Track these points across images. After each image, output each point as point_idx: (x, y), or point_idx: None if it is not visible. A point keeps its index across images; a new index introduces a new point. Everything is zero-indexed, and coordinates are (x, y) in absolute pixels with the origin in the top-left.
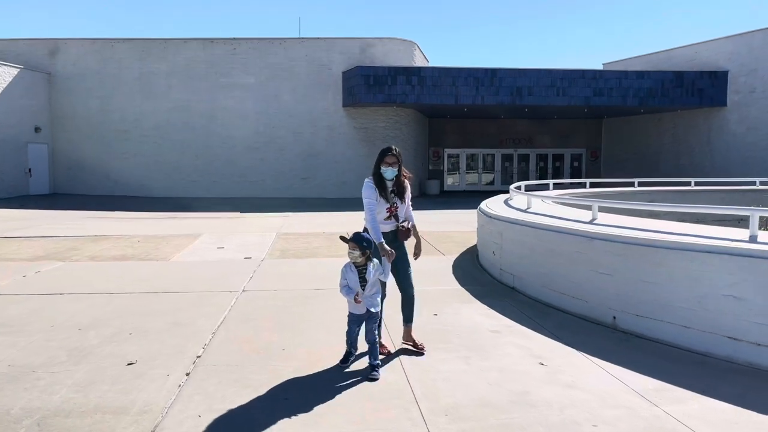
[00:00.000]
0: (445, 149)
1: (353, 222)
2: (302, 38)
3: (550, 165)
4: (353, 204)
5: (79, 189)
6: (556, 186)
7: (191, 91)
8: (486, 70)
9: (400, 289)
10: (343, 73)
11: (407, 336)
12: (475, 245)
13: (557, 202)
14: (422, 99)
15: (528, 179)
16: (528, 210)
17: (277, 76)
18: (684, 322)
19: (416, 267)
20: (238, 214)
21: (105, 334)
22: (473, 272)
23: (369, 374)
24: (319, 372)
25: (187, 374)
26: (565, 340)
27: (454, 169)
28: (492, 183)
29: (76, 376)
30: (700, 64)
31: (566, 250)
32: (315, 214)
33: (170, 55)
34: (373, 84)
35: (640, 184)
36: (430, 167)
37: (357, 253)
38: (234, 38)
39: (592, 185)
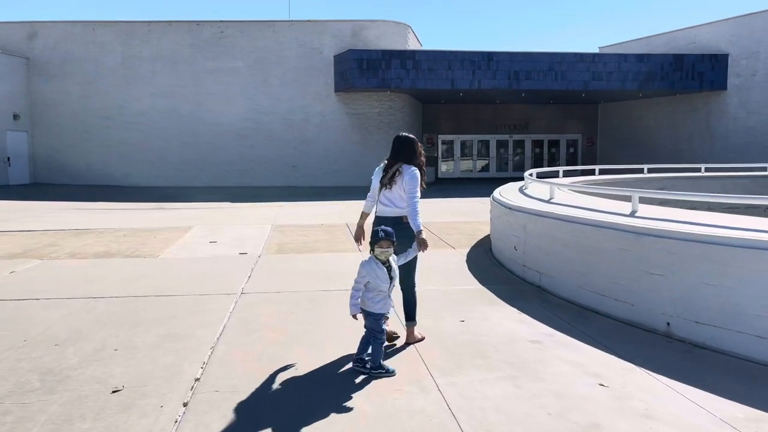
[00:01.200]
0: (439, 136)
1: (351, 212)
2: (292, 21)
3: (545, 151)
4: (346, 192)
5: (60, 179)
6: (566, 174)
7: (177, 76)
8: (483, 54)
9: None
10: (335, 56)
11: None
12: (486, 237)
13: (575, 191)
14: (417, 83)
15: (523, 166)
16: (552, 201)
17: (266, 60)
18: (759, 332)
19: (428, 262)
20: (228, 204)
21: (86, 351)
22: (491, 268)
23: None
24: (335, 389)
25: (185, 404)
26: (618, 352)
27: (449, 155)
28: (486, 170)
29: (51, 409)
30: (700, 47)
31: (608, 247)
32: (309, 204)
33: (154, 38)
34: (366, 68)
35: (650, 171)
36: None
37: (390, 250)
38: (221, 21)
39: (602, 172)
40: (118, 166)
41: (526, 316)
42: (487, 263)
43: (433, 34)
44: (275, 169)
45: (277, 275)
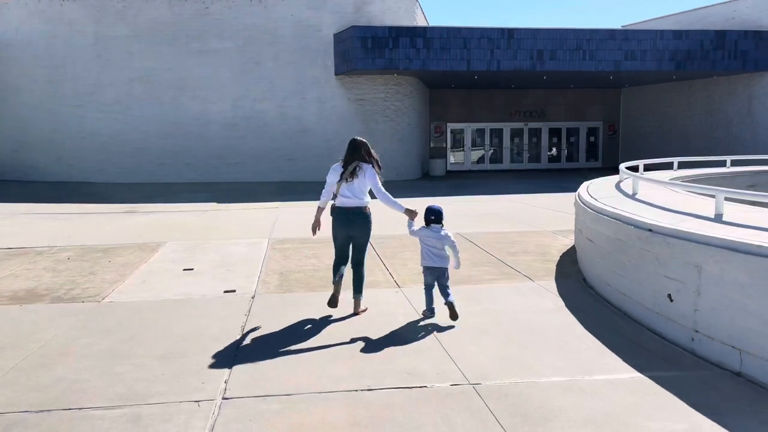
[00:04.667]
0: (448, 124)
1: None
2: None
3: (564, 140)
4: None
5: (29, 174)
6: (647, 168)
7: (157, 58)
8: (502, 30)
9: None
10: (335, 35)
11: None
12: (564, 257)
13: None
14: (429, 65)
15: (540, 156)
16: (730, 221)
17: (258, 40)
18: None
19: (509, 308)
20: (214, 205)
21: None
22: (615, 322)
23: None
24: None
25: None
26: None
27: (458, 145)
28: (499, 161)
29: None
30: (739, 23)
31: None
32: (309, 205)
33: (131, 15)
34: (371, 47)
35: (734, 163)
36: (432, 144)
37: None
38: None
39: (681, 165)
40: (91, 161)
41: None
42: (601, 311)
43: (440, 13)
44: (269, 162)
45: (284, 340)
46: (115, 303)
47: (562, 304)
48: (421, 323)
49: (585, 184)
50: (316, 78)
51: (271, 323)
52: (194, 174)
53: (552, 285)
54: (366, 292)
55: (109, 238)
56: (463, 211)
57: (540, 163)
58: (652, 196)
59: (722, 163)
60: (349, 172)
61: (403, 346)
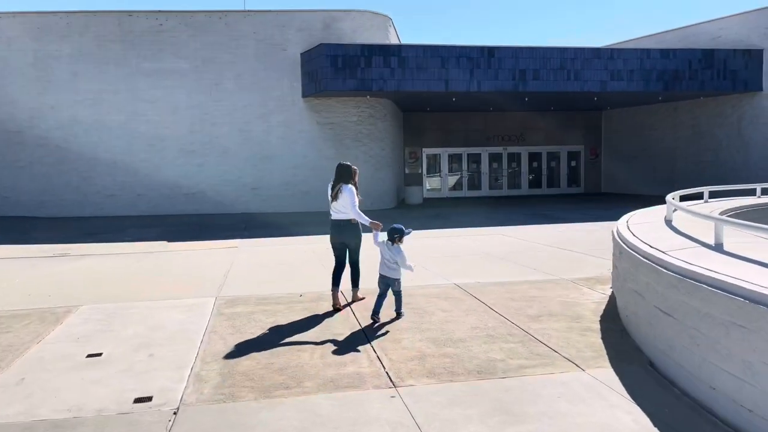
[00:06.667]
0: (424, 149)
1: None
2: (248, 11)
3: (544, 165)
4: (321, 222)
5: None
6: (682, 198)
7: (104, 79)
8: (482, 49)
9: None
10: (303, 54)
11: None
12: (609, 323)
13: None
14: (404, 85)
15: (520, 183)
16: None
17: (218, 60)
18: None
19: None
20: (162, 244)
21: None
22: None
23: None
24: None
25: None
26: None
27: (434, 171)
28: (477, 187)
29: None
30: (726, 42)
31: None
32: (274, 243)
33: (75, 33)
34: (342, 67)
35: (764, 192)
36: (407, 171)
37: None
38: (160, 11)
39: (712, 195)
40: (30, 192)
41: None
42: None
43: (414, 32)
44: (230, 192)
45: None
46: None
47: (646, 419)
48: None
49: (624, 221)
50: (282, 100)
51: None
52: (147, 206)
53: (611, 376)
54: (345, 397)
55: (9, 299)
56: (452, 250)
57: (520, 189)
58: (733, 245)
59: (747, 191)
60: (333, 194)
61: None
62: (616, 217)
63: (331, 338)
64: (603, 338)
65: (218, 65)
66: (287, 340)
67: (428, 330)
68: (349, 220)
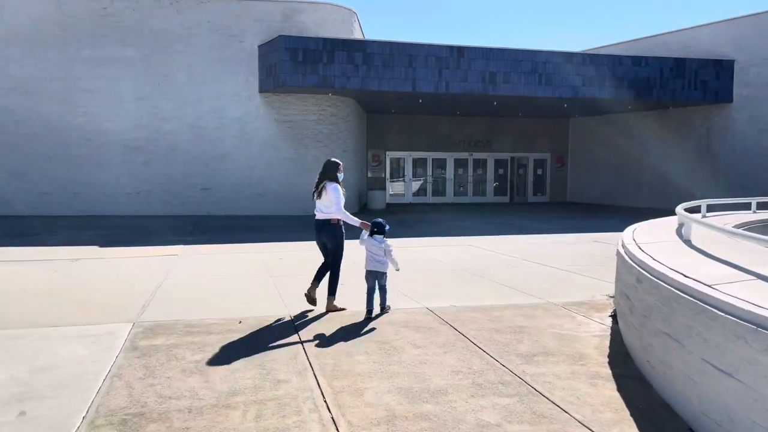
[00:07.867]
0: (387, 153)
1: (290, 271)
2: None
3: (510, 172)
4: (277, 227)
5: None
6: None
7: (40, 66)
8: (451, 48)
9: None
10: (260, 46)
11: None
12: (620, 364)
13: None
14: (369, 83)
15: (485, 189)
16: None
17: (167, 49)
18: None
19: None
20: (93, 250)
21: None
22: None
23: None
24: None
25: None
26: None
27: (397, 176)
28: (442, 193)
29: None
30: (698, 52)
31: None
32: (221, 250)
33: (7, 14)
34: (302, 61)
35: (759, 206)
36: (370, 174)
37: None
38: None
39: (761, 206)
40: None
41: None
42: None
43: (380, 29)
44: (179, 192)
45: None
46: None
47: None
48: None
49: (631, 239)
50: (237, 95)
51: None
52: (84, 205)
53: None
54: None
55: None
56: (421, 264)
57: (485, 197)
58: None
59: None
60: (317, 191)
61: None
62: (586, 229)
63: (272, 387)
64: (620, 390)
65: (168, 55)
66: (214, 389)
67: (398, 375)
68: (329, 221)
